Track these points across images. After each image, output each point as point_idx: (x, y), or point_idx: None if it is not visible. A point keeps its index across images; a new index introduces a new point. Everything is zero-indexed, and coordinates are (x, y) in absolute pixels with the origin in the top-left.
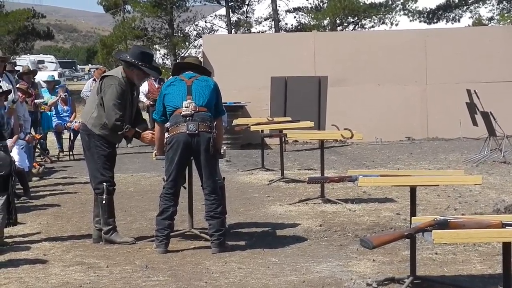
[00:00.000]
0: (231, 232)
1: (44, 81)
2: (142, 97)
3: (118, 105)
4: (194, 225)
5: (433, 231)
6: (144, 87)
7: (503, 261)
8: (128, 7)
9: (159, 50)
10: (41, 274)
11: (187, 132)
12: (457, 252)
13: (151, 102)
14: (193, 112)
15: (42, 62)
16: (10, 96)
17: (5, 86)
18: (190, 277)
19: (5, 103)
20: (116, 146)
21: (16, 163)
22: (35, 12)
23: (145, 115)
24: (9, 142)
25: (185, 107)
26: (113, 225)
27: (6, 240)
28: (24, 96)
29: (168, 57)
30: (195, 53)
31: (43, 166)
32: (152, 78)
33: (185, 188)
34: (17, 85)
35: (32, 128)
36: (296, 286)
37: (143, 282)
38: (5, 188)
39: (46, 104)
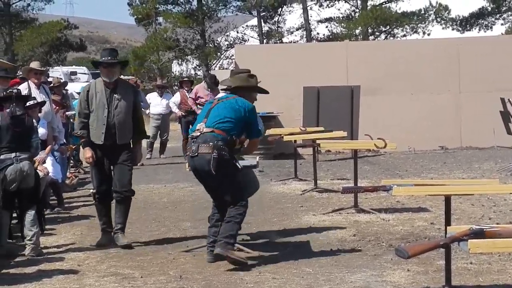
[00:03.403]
0: (265, 243)
1: (77, 93)
2: (174, 108)
3: (79, 112)
4: None
5: (469, 240)
6: (176, 98)
7: None
8: (160, 19)
9: (191, 61)
10: (76, 285)
11: (190, 154)
12: (492, 262)
13: (183, 113)
14: (198, 133)
15: (74, 73)
16: (45, 107)
17: (42, 98)
18: (224, 287)
19: (40, 114)
20: (148, 157)
21: (50, 174)
22: (68, 23)
23: (178, 126)
24: (43, 153)
25: (197, 129)
26: (100, 227)
27: (42, 250)
28: (58, 107)
29: (200, 68)
30: (227, 64)
31: (77, 177)
32: (185, 89)
33: None
34: (52, 97)
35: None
36: None
37: None
38: (34, 199)
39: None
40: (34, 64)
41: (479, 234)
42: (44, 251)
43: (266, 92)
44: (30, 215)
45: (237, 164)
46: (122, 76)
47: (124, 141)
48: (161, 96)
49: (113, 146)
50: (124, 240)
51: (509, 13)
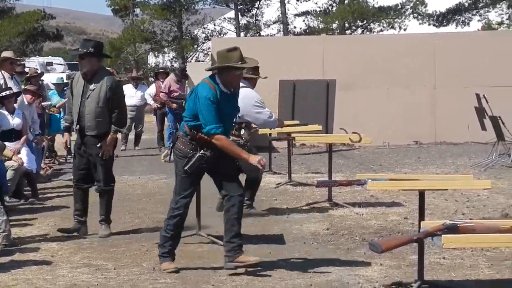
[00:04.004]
0: (243, 235)
1: (53, 84)
2: (149, 100)
3: (67, 98)
4: (201, 228)
5: (442, 235)
6: (151, 90)
7: None
8: (137, 10)
9: (167, 53)
10: (49, 276)
11: None
12: (465, 257)
13: (158, 105)
14: None
15: (50, 64)
16: (20, 98)
17: (15, 88)
18: (198, 280)
19: (15, 105)
20: (123, 149)
21: (25, 164)
22: (45, 13)
23: (153, 117)
24: (18, 144)
25: None
26: None
27: (15, 240)
28: (33, 98)
29: (176, 60)
30: (204, 56)
31: (51, 168)
32: (161, 80)
33: None
34: (26, 87)
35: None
36: None
37: (150, 285)
38: None
39: (54, 106)
40: (9, 53)
41: (453, 229)
42: (18, 242)
43: (248, 65)
44: None
45: (187, 164)
46: None
47: (93, 132)
48: (136, 88)
49: (86, 136)
50: (104, 232)
51: (486, 9)
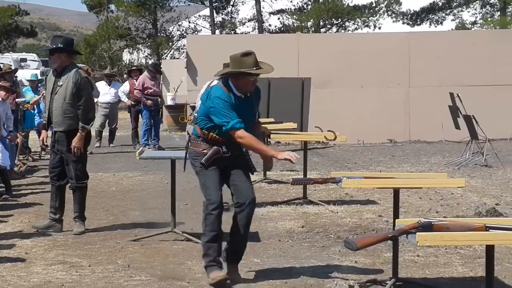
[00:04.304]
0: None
1: (28, 80)
2: (123, 97)
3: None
4: (176, 225)
5: (417, 233)
6: (125, 87)
7: (486, 264)
8: (112, 7)
9: (142, 50)
10: (23, 273)
11: None
12: (439, 255)
13: (132, 102)
14: None
15: (24, 60)
16: None
17: None
18: (173, 277)
19: None
20: (97, 146)
21: None
22: (19, 9)
23: (127, 115)
24: None
25: None
26: None
27: None
28: (7, 94)
29: (151, 57)
30: (179, 54)
31: (25, 165)
32: (134, 78)
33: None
34: (0, 83)
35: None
36: (278, 287)
37: (125, 282)
38: None
39: (28, 102)
40: None
41: (427, 227)
42: None
43: (263, 72)
44: None
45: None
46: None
47: (61, 128)
48: (109, 85)
49: (56, 132)
50: (78, 229)
51: (460, 8)
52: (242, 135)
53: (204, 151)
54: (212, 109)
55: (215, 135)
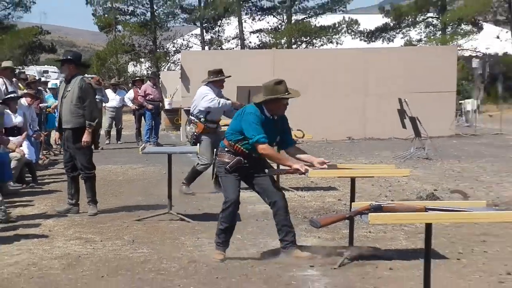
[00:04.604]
0: (203, 214)
1: (48, 88)
2: (129, 103)
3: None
4: (172, 207)
5: (369, 214)
6: (130, 94)
7: (425, 238)
8: (119, 27)
9: (144, 63)
10: (47, 247)
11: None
12: (387, 231)
13: (136, 107)
14: None
15: (46, 72)
16: (22, 100)
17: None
18: (170, 250)
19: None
20: (107, 143)
21: (26, 155)
22: (41, 29)
23: (132, 117)
24: (20, 138)
25: None
26: None
27: (10, 215)
28: (32, 100)
29: (151, 69)
30: (174, 66)
31: (48, 159)
32: (138, 87)
33: None
34: (26, 91)
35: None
36: (255, 257)
37: (131, 254)
38: None
39: (49, 107)
40: (9, 63)
41: (378, 208)
42: (21, 219)
43: (292, 96)
44: None
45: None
46: (86, 75)
47: (69, 125)
48: (115, 92)
49: (65, 130)
50: (92, 211)
51: (408, 28)
52: (265, 147)
53: (227, 160)
54: (244, 123)
55: (240, 146)
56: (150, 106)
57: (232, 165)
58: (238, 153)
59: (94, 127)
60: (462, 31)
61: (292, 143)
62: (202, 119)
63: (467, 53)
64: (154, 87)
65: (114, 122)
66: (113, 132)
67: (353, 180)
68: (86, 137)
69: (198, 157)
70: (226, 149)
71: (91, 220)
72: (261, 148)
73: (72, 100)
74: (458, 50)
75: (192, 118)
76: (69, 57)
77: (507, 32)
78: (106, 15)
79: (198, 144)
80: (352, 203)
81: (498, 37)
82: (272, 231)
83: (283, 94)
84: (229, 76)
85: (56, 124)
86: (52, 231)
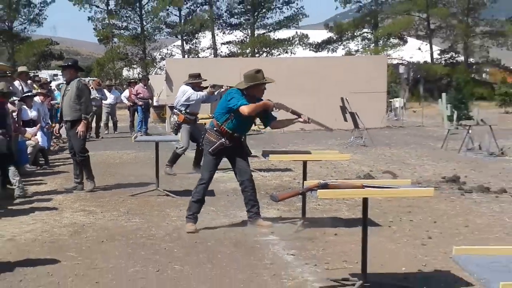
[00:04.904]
0: (187, 190)
1: (57, 88)
2: (124, 100)
3: None
4: (159, 185)
5: (318, 190)
6: (125, 93)
7: (363, 210)
8: (115, 39)
9: (135, 68)
10: (57, 217)
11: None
12: (332, 204)
13: (130, 104)
14: None
15: (56, 75)
16: (36, 98)
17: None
18: (157, 220)
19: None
20: (106, 133)
21: (40, 143)
22: (51, 41)
23: (127, 112)
24: (34, 129)
25: None
26: None
27: (27, 191)
28: (44, 97)
29: (141, 73)
30: (160, 71)
31: (58, 145)
32: (132, 87)
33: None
34: (39, 91)
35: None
36: (227, 225)
37: (125, 223)
38: (11, 159)
39: (58, 103)
40: (24, 68)
41: (325, 186)
42: (35, 195)
43: (270, 81)
44: (11, 169)
45: (211, 147)
46: (88, 78)
47: (68, 118)
48: (110, 92)
49: (66, 122)
50: (89, 187)
51: (348, 41)
52: (248, 106)
53: (213, 139)
54: (229, 98)
55: (225, 127)
56: (140, 103)
57: (214, 148)
58: (222, 133)
59: (88, 119)
60: (391, 44)
61: (274, 118)
62: (183, 111)
63: (395, 61)
64: (145, 87)
65: (110, 116)
66: (110, 124)
67: (305, 163)
68: (81, 127)
69: (178, 142)
70: (214, 128)
71: (93, 195)
72: (245, 107)
73: (71, 97)
74: (388, 59)
75: (175, 110)
76: (70, 63)
77: (426, 44)
78: (104, 29)
79: (178, 131)
80: (304, 181)
81: (419, 49)
82: (240, 204)
83: (262, 80)
84: (205, 80)
85: (58, 117)
86: (62, 204)
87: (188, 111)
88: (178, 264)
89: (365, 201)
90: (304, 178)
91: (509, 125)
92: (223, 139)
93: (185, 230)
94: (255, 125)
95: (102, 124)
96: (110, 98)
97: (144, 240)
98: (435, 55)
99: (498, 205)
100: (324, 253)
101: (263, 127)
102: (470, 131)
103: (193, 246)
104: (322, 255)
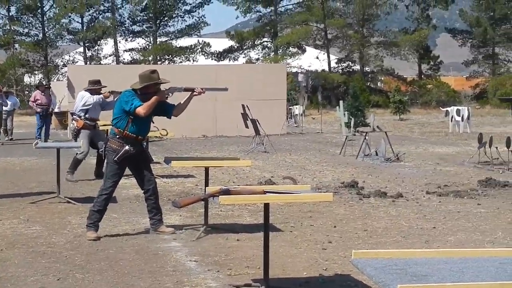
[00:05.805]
0: (88, 197)
1: None
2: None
3: None
4: (60, 192)
5: (220, 196)
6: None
7: (264, 215)
8: (17, 45)
9: (37, 75)
10: None
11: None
12: (234, 210)
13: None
14: None
15: None
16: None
17: None
18: (58, 227)
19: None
20: (6, 139)
21: None
22: None
23: (27, 117)
24: None
25: None
26: None
27: None
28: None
29: (43, 80)
30: (62, 77)
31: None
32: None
33: None
34: None
35: None
36: (129, 232)
37: (25, 230)
38: None
39: None
40: None
41: (227, 192)
42: None
43: (165, 82)
44: None
45: (116, 155)
46: None
47: None
48: (7, 98)
49: None
50: None
51: (248, 50)
52: (142, 106)
53: (116, 147)
54: (123, 102)
55: (128, 132)
56: (38, 109)
57: (120, 156)
58: (126, 139)
59: None
60: (290, 53)
61: (173, 105)
62: (82, 117)
63: (294, 70)
64: (43, 94)
65: (9, 122)
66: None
67: (207, 169)
68: None
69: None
70: (117, 136)
71: None
72: (141, 109)
73: None
74: (287, 67)
75: (75, 116)
76: None
77: (324, 53)
78: (5, 35)
79: (78, 137)
80: (206, 187)
81: (317, 58)
82: (143, 211)
83: (157, 80)
84: (105, 86)
85: None
86: None
87: (87, 116)
88: (80, 272)
89: (266, 206)
90: (206, 184)
91: (404, 131)
92: (127, 146)
93: (86, 238)
94: (160, 133)
95: (1, 130)
96: (9, 104)
97: (45, 248)
98: (333, 64)
99: (394, 209)
100: (227, 259)
101: (164, 133)
102: (367, 138)
103: (95, 254)
104: (224, 261)
